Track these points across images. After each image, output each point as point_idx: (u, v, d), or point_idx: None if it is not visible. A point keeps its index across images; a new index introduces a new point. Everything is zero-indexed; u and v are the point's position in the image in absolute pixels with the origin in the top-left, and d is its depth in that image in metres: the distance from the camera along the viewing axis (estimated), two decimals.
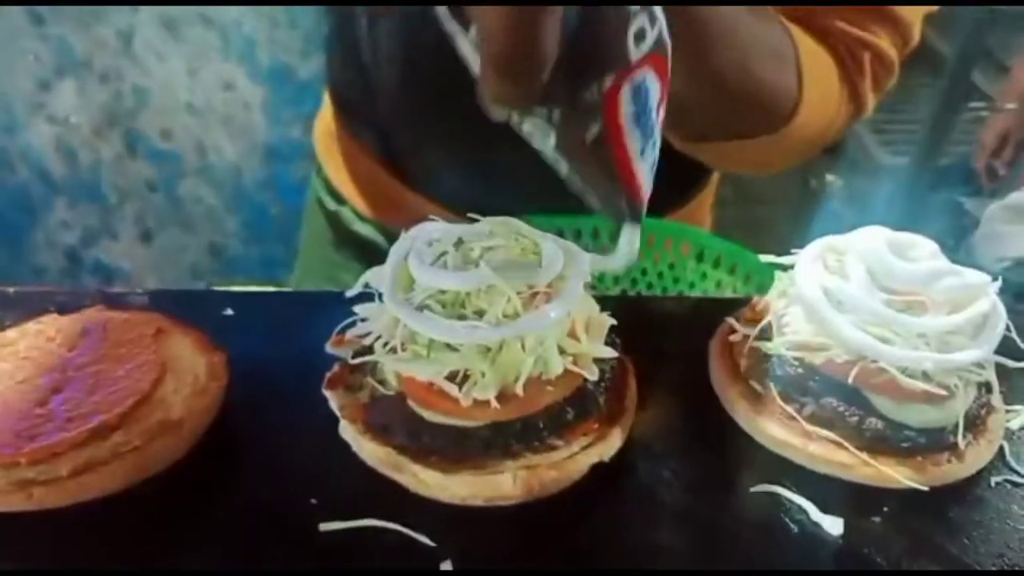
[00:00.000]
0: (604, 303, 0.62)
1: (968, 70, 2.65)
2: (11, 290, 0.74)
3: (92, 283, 2.55)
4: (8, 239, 2.48)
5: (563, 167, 0.50)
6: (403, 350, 0.57)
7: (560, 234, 0.85)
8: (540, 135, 0.48)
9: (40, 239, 2.50)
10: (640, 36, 0.44)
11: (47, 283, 2.52)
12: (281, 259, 2.53)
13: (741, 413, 0.63)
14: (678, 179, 1.09)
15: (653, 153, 0.49)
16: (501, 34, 0.40)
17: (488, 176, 0.81)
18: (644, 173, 0.49)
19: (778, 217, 2.74)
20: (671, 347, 0.71)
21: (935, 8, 0.81)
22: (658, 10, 0.44)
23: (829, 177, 2.98)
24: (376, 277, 0.60)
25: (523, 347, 0.55)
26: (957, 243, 2.19)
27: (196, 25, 2.24)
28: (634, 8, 0.43)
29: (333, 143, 1.13)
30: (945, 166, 2.61)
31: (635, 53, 0.44)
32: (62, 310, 0.68)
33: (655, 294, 0.99)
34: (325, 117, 1.17)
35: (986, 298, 0.60)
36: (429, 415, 0.57)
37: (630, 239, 0.53)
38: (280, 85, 2.31)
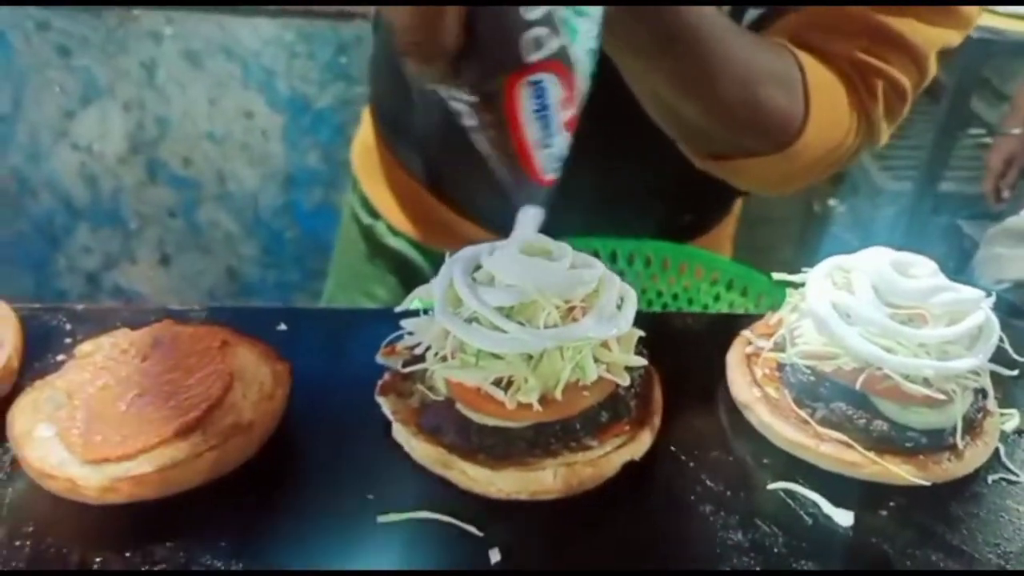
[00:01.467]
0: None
1: (967, 98, 2.71)
2: (80, 307, 0.80)
3: (112, 306, 2.61)
4: (31, 263, 2.54)
5: (482, 146, 0.56)
6: (452, 359, 0.63)
7: (595, 255, 0.91)
8: (463, 114, 0.55)
9: (62, 263, 2.56)
10: (537, 44, 0.51)
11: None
12: (297, 283, 2.60)
13: (758, 417, 0.69)
14: (701, 208, 1.15)
15: (558, 145, 0.56)
16: (404, 26, 0.50)
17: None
18: (544, 160, 0.56)
19: (783, 240, 2.81)
20: (693, 358, 0.77)
21: (950, 42, 0.84)
22: (564, 26, 0.52)
23: (832, 202, 3.04)
24: (424, 294, 0.67)
25: (562, 356, 0.61)
26: (958, 265, 2.24)
27: (217, 56, 2.31)
28: (533, 17, 0.51)
29: (371, 159, 1.19)
30: (945, 191, 2.67)
31: (531, 57, 0.51)
32: (129, 325, 0.73)
33: (674, 310, 1.05)
34: (364, 134, 1.22)
35: (980, 311, 0.66)
36: (477, 417, 0.62)
37: (526, 218, 0.59)
38: (298, 114, 2.38)
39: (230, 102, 2.36)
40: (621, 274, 1.12)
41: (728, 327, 0.77)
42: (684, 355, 0.76)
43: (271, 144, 2.42)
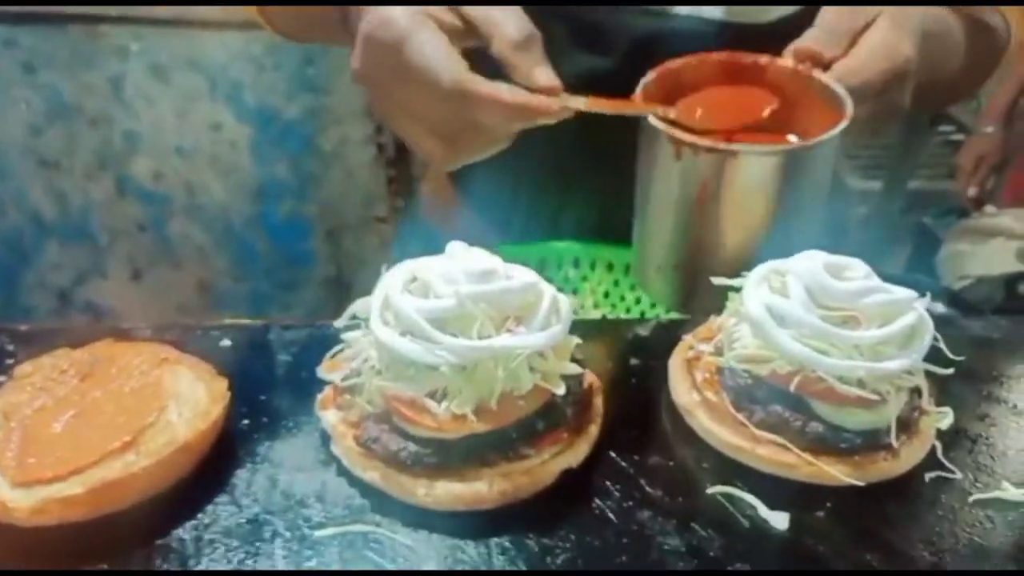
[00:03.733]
0: (576, 325, 0.67)
1: None
2: (23, 327, 0.79)
3: (82, 321, 2.60)
4: (0, 280, 2.52)
5: None
6: (388, 371, 0.63)
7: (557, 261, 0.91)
8: None
9: (32, 280, 2.54)
10: None
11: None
12: (267, 295, 2.59)
13: (698, 421, 0.69)
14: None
15: None
16: None
17: None
18: None
19: None
20: (636, 363, 0.77)
21: None
22: None
23: None
24: (362, 307, 0.67)
25: (496, 366, 0.61)
26: (924, 262, 2.27)
27: (184, 70, 2.30)
28: None
29: None
30: (913, 189, 2.69)
31: None
32: (72, 344, 0.73)
33: (619, 316, 1.05)
34: None
35: (913, 312, 0.66)
36: (413, 429, 0.62)
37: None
38: (266, 126, 2.38)
39: (198, 115, 2.36)
40: (583, 279, 1.13)
41: (669, 332, 0.78)
42: (627, 361, 0.77)
43: (240, 157, 2.42)
